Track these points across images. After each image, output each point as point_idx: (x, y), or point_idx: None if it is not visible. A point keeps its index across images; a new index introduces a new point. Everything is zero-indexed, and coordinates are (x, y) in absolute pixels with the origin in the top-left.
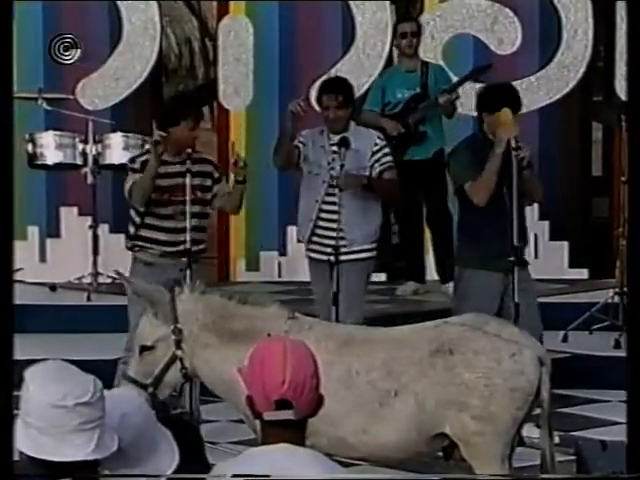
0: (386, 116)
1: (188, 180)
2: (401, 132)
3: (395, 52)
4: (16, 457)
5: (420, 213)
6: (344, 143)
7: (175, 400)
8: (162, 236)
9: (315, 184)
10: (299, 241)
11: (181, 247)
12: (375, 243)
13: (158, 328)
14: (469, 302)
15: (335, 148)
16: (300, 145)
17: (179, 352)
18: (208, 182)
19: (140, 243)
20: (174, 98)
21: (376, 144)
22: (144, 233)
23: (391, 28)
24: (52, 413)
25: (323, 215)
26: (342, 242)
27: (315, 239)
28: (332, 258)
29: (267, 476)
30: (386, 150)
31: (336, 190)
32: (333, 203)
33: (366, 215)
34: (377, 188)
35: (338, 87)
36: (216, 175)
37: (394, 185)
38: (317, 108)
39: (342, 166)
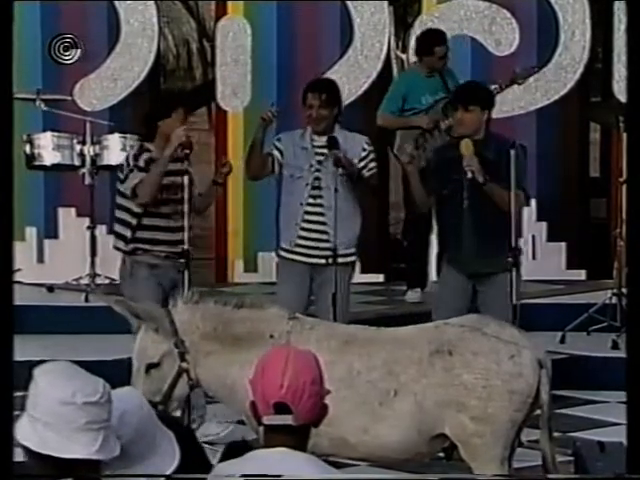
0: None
1: (187, 180)
2: (436, 126)
3: (392, 59)
4: (19, 456)
5: (429, 220)
6: (333, 144)
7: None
8: (162, 236)
9: (298, 187)
10: (281, 248)
11: (179, 247)
12: (355, 248)
13: (161, 344)
14: None
15: (319, 150)
16: (276, 152)
17: (184, 364)
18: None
19: (141, 245)
20: (166, 93)
21: (364, 149)
22: (143, 235)
23: (391, 32)
24: (60, 410)
25: (309, 217)
26: (328, 244)
27: (300, 242)
28: (321, 261)
29: (267, 476)
30: (372, 156)
31: (322, 192)
32: (319, 205)
33: (350, 220)
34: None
35: (323, 86)
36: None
37: (375, 189)
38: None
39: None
